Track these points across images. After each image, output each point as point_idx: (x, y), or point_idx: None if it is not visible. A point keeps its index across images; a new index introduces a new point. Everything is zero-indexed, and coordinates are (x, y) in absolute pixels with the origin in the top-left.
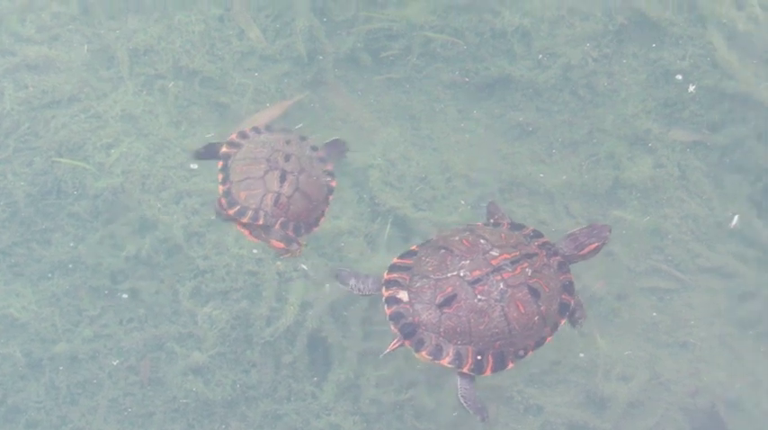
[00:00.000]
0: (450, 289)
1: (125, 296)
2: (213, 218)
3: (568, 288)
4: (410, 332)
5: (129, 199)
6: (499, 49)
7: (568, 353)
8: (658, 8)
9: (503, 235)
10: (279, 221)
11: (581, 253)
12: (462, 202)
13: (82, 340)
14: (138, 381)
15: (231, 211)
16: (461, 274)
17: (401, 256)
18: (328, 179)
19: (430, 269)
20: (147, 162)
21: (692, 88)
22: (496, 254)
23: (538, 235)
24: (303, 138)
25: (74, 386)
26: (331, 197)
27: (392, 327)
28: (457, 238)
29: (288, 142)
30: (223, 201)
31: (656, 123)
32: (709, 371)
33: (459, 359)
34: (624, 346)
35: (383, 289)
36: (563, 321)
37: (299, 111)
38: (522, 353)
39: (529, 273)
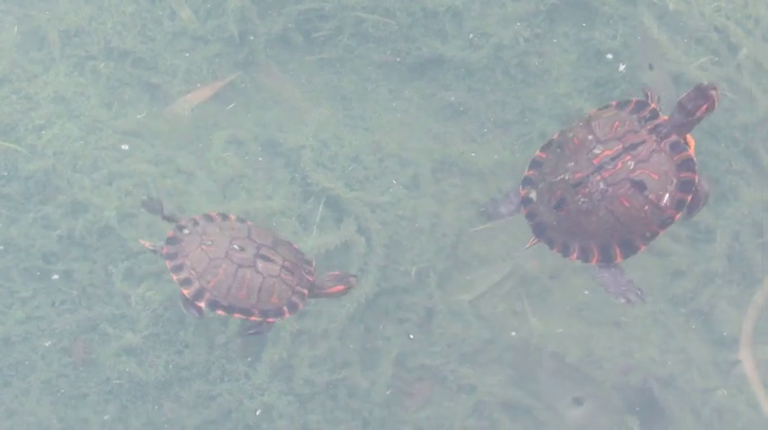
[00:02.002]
0: (559, 192)
1: (57, 277)
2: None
3: (687, 165)
4: (540, 231)
5: (61, 180)
6: (431, 29)
7: (501, 332)
8: None
9: (617, 123)
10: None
11: (695, 118)
12: (394, 182)
13: (14, 322)
14: (71, 363)
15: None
16: (566, 178)
17: (542, 149)
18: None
19: (548, 171)
20: (79, 143)
21: (622, 67)
22: (598, 151)
23: (654, 115)
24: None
25: (6, 368)
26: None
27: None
28: (571, 135)
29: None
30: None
31: (588, 102)
32: (641, 348)
33: (585, 254)
34: (557, 325)
35: (520, 188)
36: (689, 197)
37: (230, 92)
38: (648, 234)
39: (631, 166)
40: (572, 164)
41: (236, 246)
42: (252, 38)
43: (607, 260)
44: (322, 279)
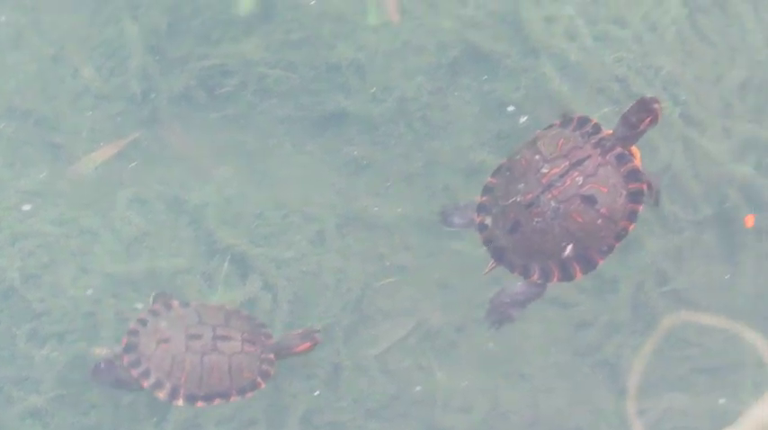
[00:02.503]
0: (512, 215)
1: None
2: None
3: (634, 176)
4: (500, 256)
5: None
6: (334, 83)
7: (407, 387)
8: (491, 41)
9: (561, 141)
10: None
11: (639, 131)
12: (297, 238)
13: None
14: None
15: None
16: (518, 200)
17: (493, 174)
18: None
19: (500, 195)
20: None
21: (523, 119)
22: (546, 170)
23: (596, 130)
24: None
25: None
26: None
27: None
28: (518, 157)
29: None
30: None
31: (491, 155)
32: (547, 400)
33: (545, 274)
34: (462, 378)
35: (475, 215)
36: (640, 207)
37: (134, 150)
38: (605, 248)
39: (580, 182)
40: (522, 185)
41: (192, 335)
42: (154, 95)
43: (568, 277)
44: (287, 339)
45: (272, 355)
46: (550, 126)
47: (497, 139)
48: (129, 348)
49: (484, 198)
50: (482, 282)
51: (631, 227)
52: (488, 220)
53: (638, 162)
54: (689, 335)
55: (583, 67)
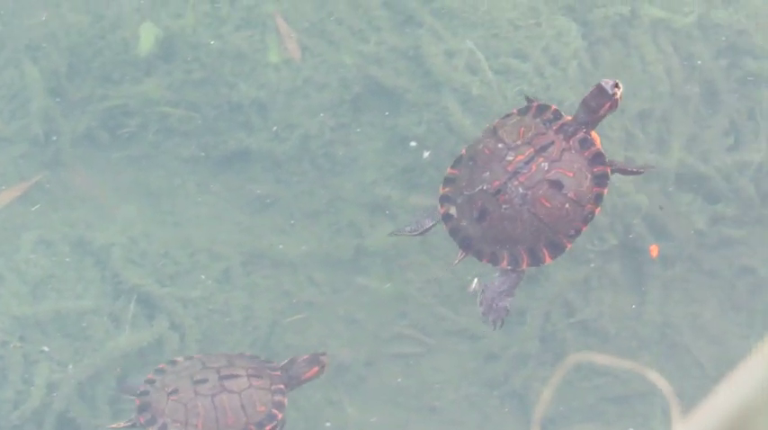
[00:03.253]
0: (479, 203)
1: None
2: None
3: (598, 159)
4: (467, 245)
5: None
6: (236, 121)
7: (317, 423)
8: (393, 76)
9: (522, 129)
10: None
11: (598, 116)
12: (203, 277)
13: None
14: None
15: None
16: (484, 188)
17: (452, 166)
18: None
19: (464, 185)
20: None
21: (426, 154)
22: (511, 158)
23: (558, 116)
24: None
25: None
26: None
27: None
28: (480, 146)
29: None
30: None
31: (396, 190)
32: None
33: (515, 260)
34: (373, 413)
35: (439, 206)
36: (605, 190)
37: (37, 192)
38: (573, 232)
39: (545, 167)
40: (487, 174)
41: (198, 380)
42: (57, 137)
43: (537, 262)
44: (294, 368)
45: (281, 385)
46: (508, 115)
47: (401, 174)
48: (142, 408)
49: (446, 189)
50: (389, 316)
51: (597, 210)
52: (453, 210)
53: (599, 146)
54: (598, 364)
55: (485, 101)
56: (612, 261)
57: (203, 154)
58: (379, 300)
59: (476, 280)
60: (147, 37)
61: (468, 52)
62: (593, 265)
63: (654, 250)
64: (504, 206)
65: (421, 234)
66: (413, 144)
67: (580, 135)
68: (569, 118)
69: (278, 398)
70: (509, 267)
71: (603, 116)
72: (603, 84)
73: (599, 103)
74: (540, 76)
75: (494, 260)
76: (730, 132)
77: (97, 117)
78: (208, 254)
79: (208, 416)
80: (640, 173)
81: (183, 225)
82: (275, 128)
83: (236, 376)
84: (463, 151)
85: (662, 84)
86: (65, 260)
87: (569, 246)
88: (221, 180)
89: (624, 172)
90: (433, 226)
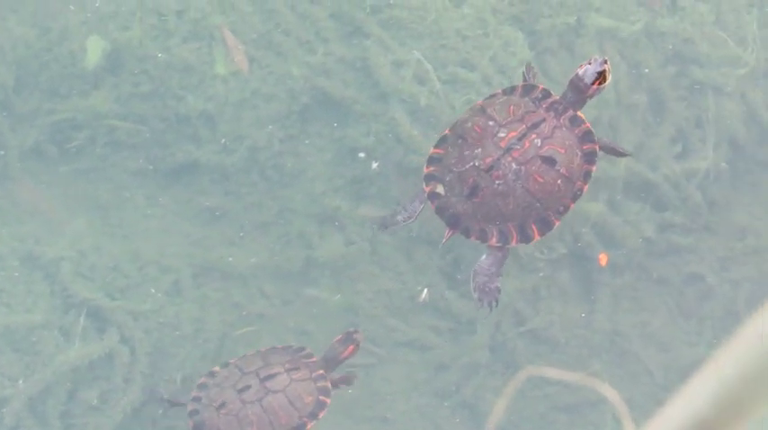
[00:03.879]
0: (471, 180)
1: None
2: None
3: (588, 137)
4: (455, 222)
5: None
6: (184, 134)
7: None
8: (341, 87)
9: (512, 107)
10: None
11: (588, 94)
12: (153, 290)
13: None
14: None
15: None
16: (476, 164)
17: (436, 145)
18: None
19: (453, 162)
20: None
21: (375, 165)
22: (503, 134)
23: (546, 95)
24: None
25: None
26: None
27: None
28: (470, 125)
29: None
30: None
31: (345, 201)
32: None
33: (504, 237)
34: (325, 424)
35: (424, 185)
36: (594, 167)
37: None
38: (562, 209)
39: (538, 144)
40: (479, 150)
41: (241, 389)
42: (4, 152)
43: (527, 239)
44: (330, 352)
45: (321, 371)
46: (493, 95)
47: (350, 185)
48: (197, 428)
49: (431, 168)
50: (339, 327)
51: (585, 187)
52: (440, 189)
53: (588, 125)
54: (549, 372)
55: (433, 111)
56: (562, 270)
57: (152, 167)
58: (330, 312)
59: (425, 290)
60: (95, 50)
61: (416, 63)
62: (542, 274)
63: (603, 258)
64: (497, 182)
65: (414, 218)
66: (361, 155)
67: (570, 113)
68: (557, 97)
69: (321, 384)
70: (498, 244)
71: (592, 95)
72: (592, 61)
73: (585, 82)
74: (488, 86)
75: (483, 237)
76: (678, 140)
77: (45, 131)
78: (157, 267)
79: (261, 422)
80: (626, 154)
81: (132, 238)
82: (224, 140)
83: (276, 375)
84: (447, 131)
85: (609, 92)
86: (14, 274)
87: (557, 223)
88: (170, 193)
89: (611, 151)
90: (423, 207)
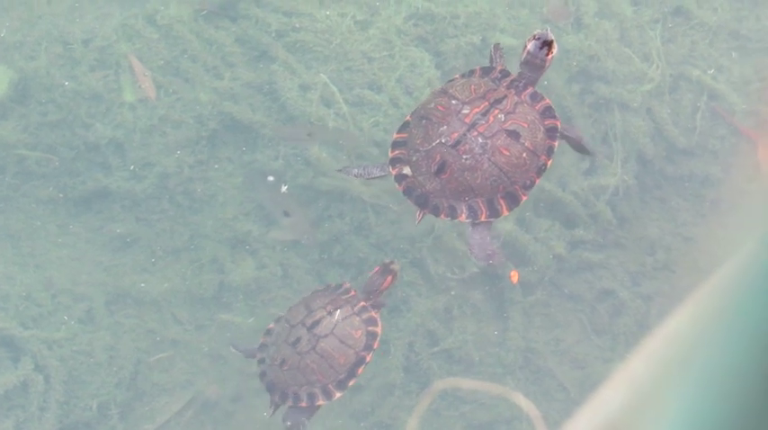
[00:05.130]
0: (438, 156)
1: None
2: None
3: (549, 112)
4: (423, 202)
5: None
6: (94, 162)
7: None
8: (248, 111)
9: (473, 87)
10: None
11: (542, 68)
12: (66, 318)
13: None
14: None
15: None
16: (443, 141)
17: (398, 131)
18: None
19: (418, 142)
20: None
21: (284, 188)
22: (467, 111)
23: (505, 74)
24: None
25: None
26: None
27: (409, 201)
28: (432, 105)
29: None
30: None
31: (256, 225)
32: None
33: (473, 212)
34: None
35: (389, 168)
36: (556, 143)
37: None
38: (528, 183)
39: (502, 119)
40: (444, 127)
41: (293, 342)
42: None
43: (495, 214)
44: (369, 285)
45: (362, 303)
46: (451, 80)
47: (261, 209)
48: (270, 388)
49: (395, 152)
50: (253, 350)
51: (549, 162)
52: (406, 170)
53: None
54: (462, 392)
55: (341, 133)
56: (474, 288)
57: (62, 195)
58: (244, 336)
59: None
60: (1, 80)
61: (323, 85)
62: (454, 293)
63: (514, 276)
64: (464, 157)
65: (366, 179)
66: (270, 178)
67: (530, 90)
68: (515, 75)
69: (366, 315)
70: (468, 220)
71: (546, 67)
72: (536, 35)
73: (535, 57)
74: (395, 107)
75: (452, 214)
76: (585, 157)
77: None
78: (70, 295)
79: (321, 368)
80: (588, 152)
81: (44, 266)
82: (133, 167)
83: (321, 320)
84: (408, 117)
85: None
86: None
87: (524, 197)
88: (81, 220)
89: (575, 143)
90: (379, 177)
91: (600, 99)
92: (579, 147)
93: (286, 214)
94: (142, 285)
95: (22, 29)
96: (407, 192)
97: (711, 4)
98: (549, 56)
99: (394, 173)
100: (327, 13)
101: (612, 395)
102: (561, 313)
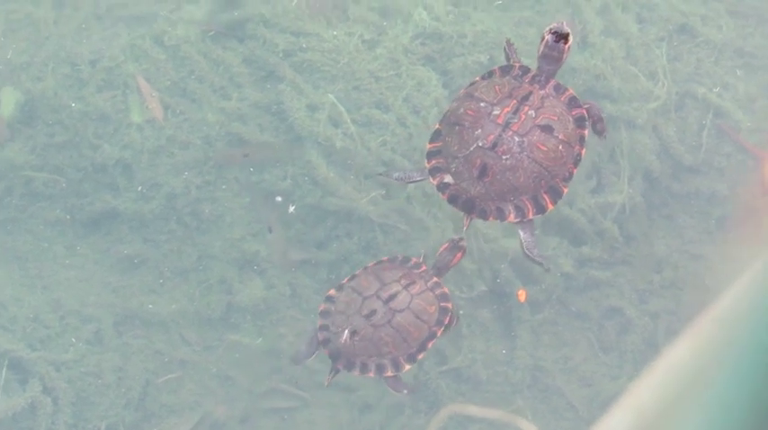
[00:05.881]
0: (479, 160)
1: None
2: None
3: (574, 102)
4: (470, 207)
5: None
6: (101, 183)
7: None
8: (256, 131)
9: (497, 87)
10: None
11: (560, 60)
12: (74, 340)
13: None
14: None
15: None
16: (480, 144)
17: (431, 140)
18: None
19: (455, 149)
20: None
21: (291, 208)
22: (498, 111)
23: (525, 70)
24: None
25: None
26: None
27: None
28: (462, 110)
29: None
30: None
31: (263, 245)
32: None
33: (520, 211)
34: None
35: (430, 178)
36: (586, 132)
37: None
38: (567, 175)
39: (533, 115)
40: (479, 131)
41: (367, 314)
42: None
43: (541, 210)
44: (440, 261)
45: (435, 279)
46: (473, 83)
47: (268, 230)
48: (334, 356)
49: (432, 162)
50: (262, 372)
51: (583, 151)
52: (447, 178)
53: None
54: (471, 410)
55: (349, 153)
56: (482, 307)
57: (69, 216)
58: (252, 356)
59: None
60: (8, 101)
61: (330, 105)
62: (462, 312)
63: (522, 295)
64: (504, 157)
65: (406, 183)
66: (278, 199)
67: (552, 82)
68: (535, 71)
69: (439, 291)
70: (516, 220)
71: (565, 59)
72: (552, 28)
73: (560, 49)
74: (403, 126)
75: (500, 215)
76: (592, 174)
77: None
78: (78, 316)
79: (395, 341)
80: (604, 134)
81: (52, 288)
82: (140, 187)
83: (397, 294)
84: (437, 125)
85: None
86: None
87: (566, 190)
88: (89, 242)
89: (596, 121)
90: (419, 181)
91: (607, 117)
92: (598, 127)
93: (269, 230)
94: (150, 306)
95: (29, 50)
96: (452, 199)
97: (716, 21)
98: (567, 46)
99: (435, 182)
100: (335, 32)
101: (619, 419)
102: (569, 331)
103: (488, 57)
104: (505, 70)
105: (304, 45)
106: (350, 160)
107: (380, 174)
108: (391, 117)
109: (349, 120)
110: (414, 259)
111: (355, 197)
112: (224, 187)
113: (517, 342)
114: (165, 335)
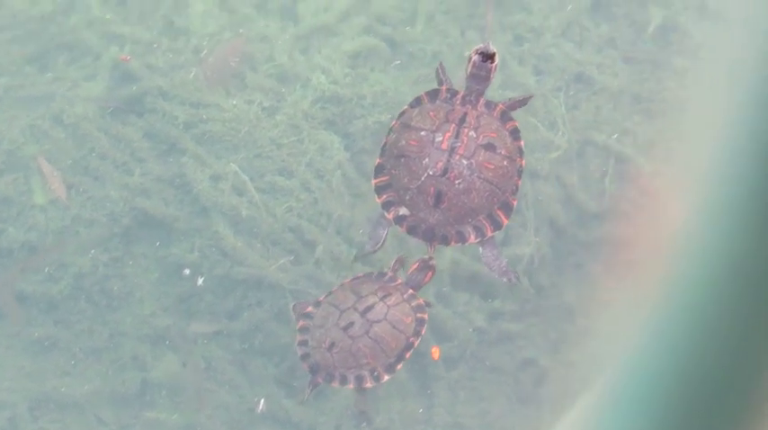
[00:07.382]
0: (432, 189)
1: None
2: None
3: (506, 116)
4: (431, 235)
5: None
6: (7, 267)
7: None
8: (161, 205)
9: (431, 113)
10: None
11: (488, 79)
12: None
13: None
14: None
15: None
16: (431, 173)
17: (375, 176)
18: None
19: (406, 180)
20: None
21: (200, 281)
22: (440, 138)
23: (453, 93)
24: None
25: None
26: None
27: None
28: (404, 143)
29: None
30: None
31: (175, 319)
32: None
33: (479, 231)
34: None
35: (384, 213)
36: (522, 143)
37: None
38: (514, 188)
39: (474, 135)
40: (426, 160)
41: (345, 326)
42: None
43: (498, 226)
44: (411, 280)
45: (410, 291)
46: (403, 112)
47: (179, 303)
48: (313, 369)
49: (384, 196)
50: None
51: (523, 162)
52: (402, 210)
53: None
54: None
55: (255, 221)
56: None
57: None
58: None
59: (262, 401)
60: None
61: (234, 175)
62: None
63: (435, 352)
64: (456, 182)
65: (382, 242)
66: (186, 271)
67: (483, 100)
68: (463, 91)
69: (414, 303)
70: (477, 240)
71: (492, 78)
72: (479, 50)
73: (487, 69)
74: (307, 191)
75: (461, 239)
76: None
77: None
78: None
79: (374, 352)
80: (525, 103)
81: None
82: (47, 269)
83: (374, 305)
84: (379, 160)
85: None
86: None
87: (515, 202)
88: None
89: (518, 105)
90: (387, 230)
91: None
92: (522, 103)
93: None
94: (63, 389)
95: None
96: (411, 230)
97: (612, 68)
98: (494, 65)
99: (390, 216)
100: (234, 101)
101: None
102: (485, 386)
103: (389, 116)
104: (433, 95)
105: (204, 116)
106: (256, 228)
107: (355, 261)
108: (295, 183)
109: (253, 189)
110: (389, 273)
111: (264, 265)
112: (131, 263)
113: (434, 400)
114: (81, 416)
